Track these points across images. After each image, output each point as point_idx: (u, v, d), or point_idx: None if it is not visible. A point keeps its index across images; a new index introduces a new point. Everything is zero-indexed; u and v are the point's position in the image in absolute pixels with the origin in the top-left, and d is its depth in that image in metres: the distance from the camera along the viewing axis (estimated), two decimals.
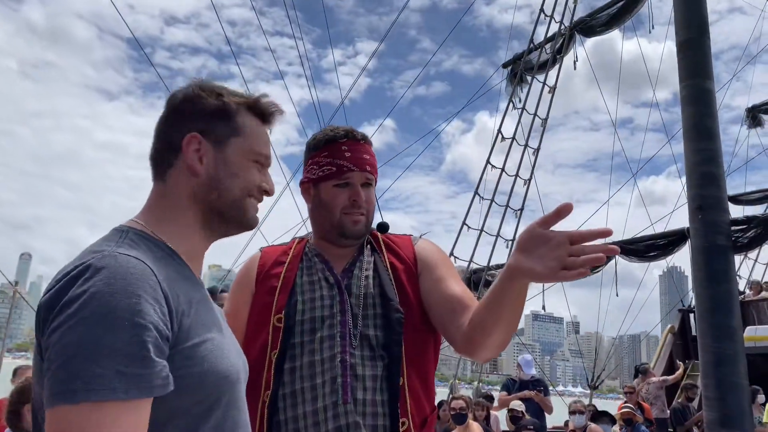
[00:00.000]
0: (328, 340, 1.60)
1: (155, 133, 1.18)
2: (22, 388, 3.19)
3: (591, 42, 14.04)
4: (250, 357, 1.56)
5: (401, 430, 1.55)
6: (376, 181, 1.81)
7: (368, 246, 1.81)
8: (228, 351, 1.07)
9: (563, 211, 1.23)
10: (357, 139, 1.76)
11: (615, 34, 14.08)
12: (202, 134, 1.14)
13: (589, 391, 13.39)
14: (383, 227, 1.88)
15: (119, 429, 0.86)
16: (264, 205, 1.26)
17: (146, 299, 0.92)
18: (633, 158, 15.91)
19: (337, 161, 1.72)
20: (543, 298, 12.03)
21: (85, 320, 0.87)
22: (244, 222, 1.19)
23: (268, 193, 1.22)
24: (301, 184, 1.81)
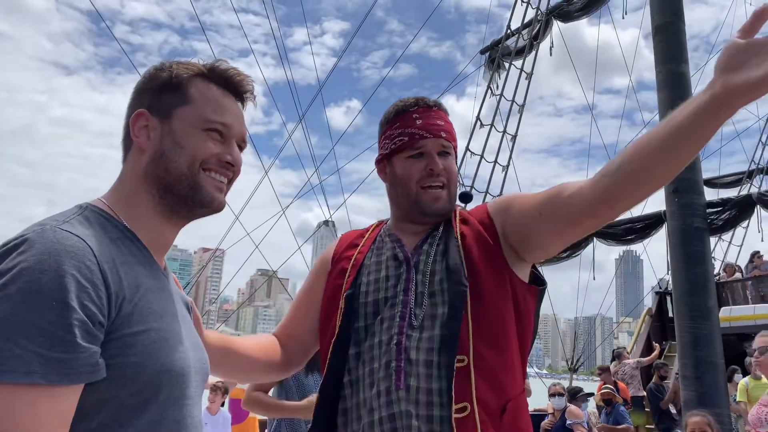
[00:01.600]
0: (388, 321, 1.48)
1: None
2: None
3: (558, 28, 14.10)
4: (323, 344, 1.47)
5: (461, 416, 1.34)
6: (455, 150, 1.66)
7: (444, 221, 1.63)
8: (176, 343, 0.99)
9: (764, 14, 1.08)
10: (429, 106, 1.63)
11: (581, 21, 14.14)
12: (149, 110, 1.09)
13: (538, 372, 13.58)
14: (466, 197, 1.76)
15: (35, 416, 0.81)
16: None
17: (79, 280, 0.86)
18: (599, 144, 16.06)
19: (408, 130, 1.59)
20: None
21: (9, 297, 0.82)
22: (201, 199, 1.09)
23: (232, 164, 1.12)
24: (377, 163, 1.70)
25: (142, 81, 1.13)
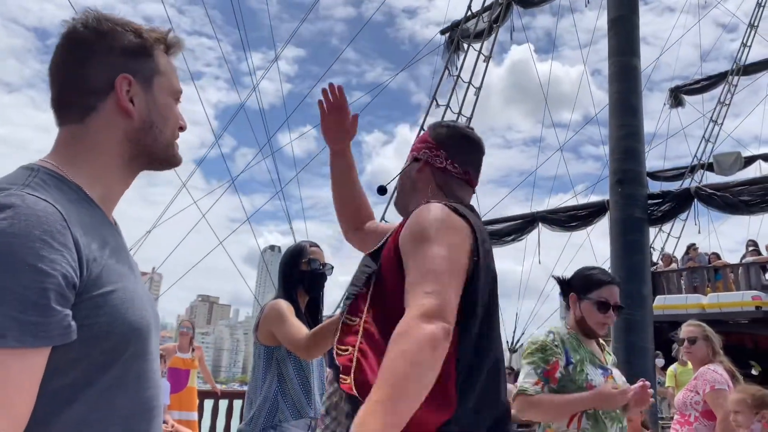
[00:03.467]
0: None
1: (57, 73, 1.08)
2: None
3: (508, 62, 14.28)
4: None
5: (341, 358, 1.46)
6: (416, 159, 1.77)
7: None
8: (140, 301, 1.03)
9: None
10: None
11: (527, 58, 14.34)
12: (133, 75, 1.09)
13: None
14: (380, 190, 1.92)
15: (7, 377, 0.82)
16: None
17: (52, 244, 0.87)
18: (546, 175, 16.48)
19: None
20: None
21: None
22: (174, 161, 1.18)
23: (184, 128, 1.20)
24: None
25: (97, 37, 1.07)
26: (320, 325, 2.57)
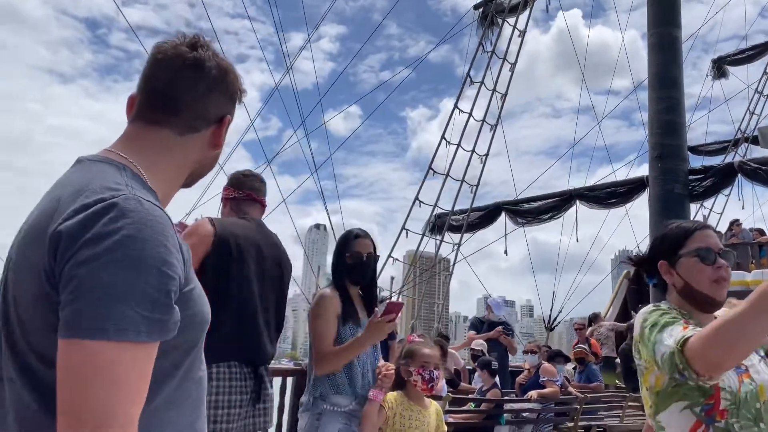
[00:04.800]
0: None
1: (181, 87, 1.16)
2: None
3: (555, 30, 13.88)
4: None
5: None
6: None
7: None
8: (205, 297, 1.13)
9: None
10: None
11: (574, 24, 13.94)
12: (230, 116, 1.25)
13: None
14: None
15: (136, 367, 0.92)
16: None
17: (170, 249, 0.97)
18: (595, 145, 15.96)
19: None
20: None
21: (118, 262, 0.90)
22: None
23: None
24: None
25: (226, 77, 1.20)
26: (342, 348, 2.80)
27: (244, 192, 2.89)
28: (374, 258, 3.05)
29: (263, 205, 2.98)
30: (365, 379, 2.91)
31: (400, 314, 2.91)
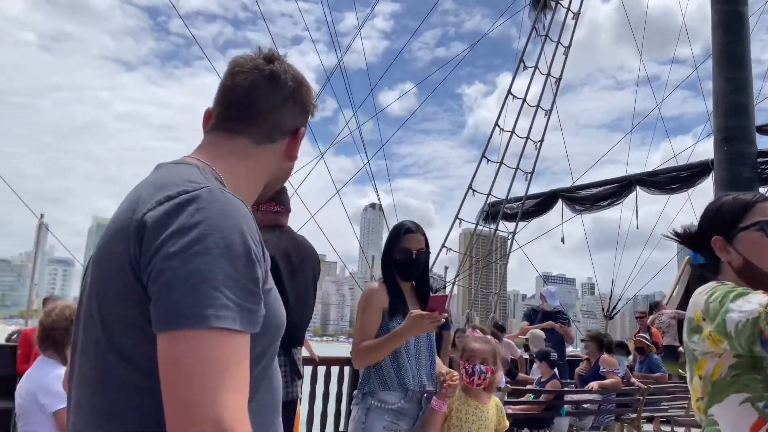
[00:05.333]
0: None
1: (258, 98, 1.18)
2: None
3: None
4: None
5: None
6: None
7: None
8: (281, 300, 1.11)
9: None
10: None
11: None
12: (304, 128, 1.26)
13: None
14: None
15: (237, 357, 0.89)
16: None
17: (254, 239, 0.96)
18: (659, 117, 15.21)
19: None
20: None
21: (208, 250, 0.89)
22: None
23: None
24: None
25: (302, 90, 1.23)
26: (377, 341, 2.79)
27: (284, 207, 3.31)
28: (425, 254, 2.98)
29: (290, 211, 3.45)
30: (417, 377, 2.85)
31: (446, 306, 2.86)
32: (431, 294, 3.04)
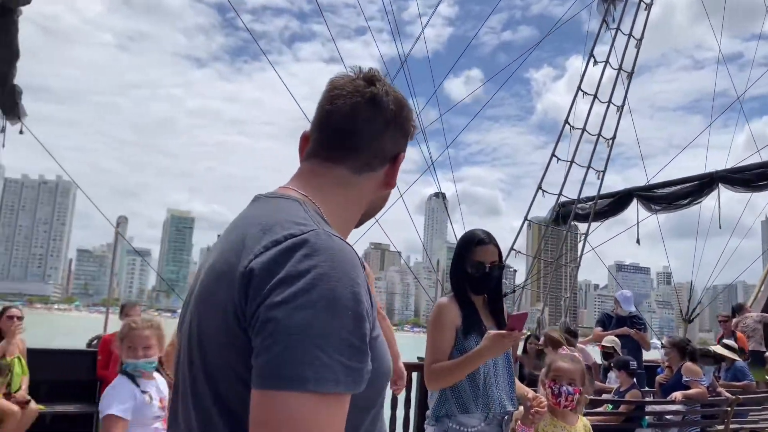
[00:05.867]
0: None
1: (357, 121, 1.12)
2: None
3: None
4: None
5: None
6: None
7: None
8: (386, 345, 1.04)
9: None
10: None
11: None
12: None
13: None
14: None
15: (335, 421, 0.84)
16: None
17: (363, 288, 0.90)
18: (747, 96, 14.29)
19: None
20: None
21: (313, 304, 0.84)
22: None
23: None
24: None
25: (403, 116, 1.16)
26: (452, 362, 2.61)
27: None
28: (499, 268, 2.78)
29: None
30: (497, 398, 2.69)
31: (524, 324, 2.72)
32: (508, 313, 2.86)
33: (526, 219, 11.03)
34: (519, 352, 7.75)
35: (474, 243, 2.78)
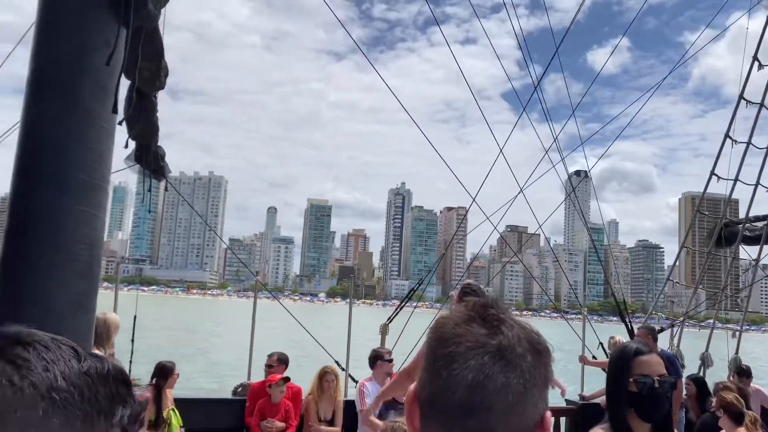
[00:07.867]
0: None
1: (531, 379, 0.95)
2: None
3: None
4: None
5: None
6: None
7: None
8: None
9: None
10: None
11: None
12: None
13: None
14: None
15: None
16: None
17: None
18: None
19: None
20: None
21: None
22: None
23: None
24: None
25: (532, 357, 0.96)
26: None
27: None
28: (670, 384, 2.24)
29: None
30: None
31: None
32: None
33: (683, 246, 9.95)
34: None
35: (631, 355, 2.29)
